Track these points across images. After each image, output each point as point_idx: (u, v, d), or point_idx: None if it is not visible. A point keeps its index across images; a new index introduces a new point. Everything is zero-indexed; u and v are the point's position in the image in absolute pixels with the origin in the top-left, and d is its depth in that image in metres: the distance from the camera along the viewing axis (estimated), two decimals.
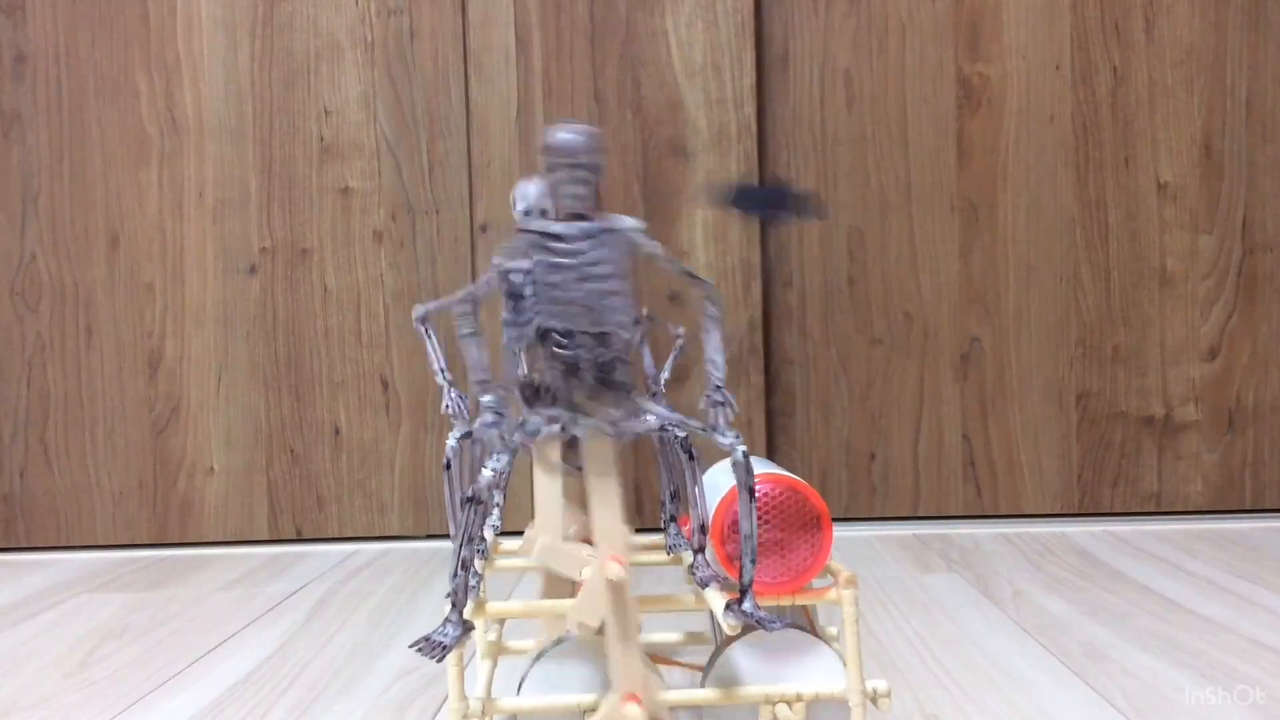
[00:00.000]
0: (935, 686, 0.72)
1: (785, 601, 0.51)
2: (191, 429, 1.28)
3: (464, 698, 0.48)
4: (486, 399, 0.46)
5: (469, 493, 0.43)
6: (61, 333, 1.28)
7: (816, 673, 0.51)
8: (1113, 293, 1.27)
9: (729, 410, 0.46)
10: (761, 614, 0.45)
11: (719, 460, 0.61)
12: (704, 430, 0.46)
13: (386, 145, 1.27)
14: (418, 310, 0.53)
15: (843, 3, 1.27)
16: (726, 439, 0.45)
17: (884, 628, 0.86)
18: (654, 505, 1.23)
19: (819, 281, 1.28)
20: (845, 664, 0.50)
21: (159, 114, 1.28)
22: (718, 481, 0.56)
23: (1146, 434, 1.27)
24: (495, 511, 0.60)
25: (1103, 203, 1.27)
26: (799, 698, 0.49)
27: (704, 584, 0.49)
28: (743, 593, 0.45)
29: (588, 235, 0.43)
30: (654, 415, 0.45)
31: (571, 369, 0.44)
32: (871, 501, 1.28)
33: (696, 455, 0.49)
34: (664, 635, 0.63)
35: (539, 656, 0.53)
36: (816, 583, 0.53)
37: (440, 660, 0.44)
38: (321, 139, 1.27)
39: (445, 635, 0.44)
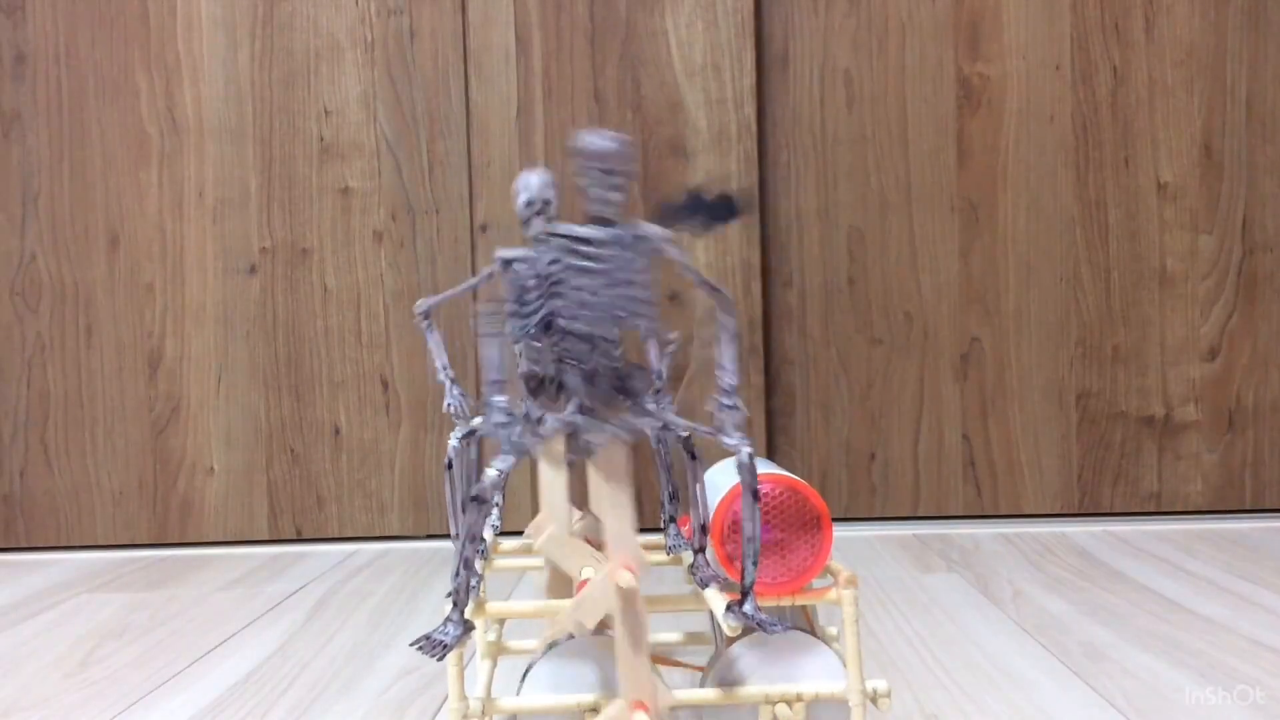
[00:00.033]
0: (935, 686, 0.72)
1: (785, 602, 0.51)
2: (191, 429, 1.28)
3: (464, 698, 0.48)
4: (498, 400, 0.46)
5: (473, 492, 0.43)
6: (61, 333, 1.28)
7: (816, 673, 0.51)
8: (1113, 293, 1.27)
9: (738, 414, 0.46)
10: (762, 616, 0.45)
11: (718, 460, 0.61)
12: (711, 433, 0.46)
13: (386, 145, 1.27)
14: (421, 305, 0.53)
15: (843, 3, 1.27)
16: (732, 440, 0.45)
17: (884, 628, 0.86)
18: (654, 505, 1.23)
19: (819, 281, 1.28)
20: (845, 664, 0.50)
21: (159, 114, 1.28)
22: (716, 481, 0.56)
23: (1146, 434, 1.27)
24: (494, 511, 0.60)
25: (1103, 203, 1.27)
26: (799, 698, 0.49)
27: (704, 584, 0.49)
28: (744, 594, 0.45)
29: (617, 241, 0.43)
30: (667, 421, 0.45)
31: (589, 375, 0.44)
32: (871, 501, 1.28)
33: (699, 455, 0.49)
34: (664, 635, 0.63)
35: (539, 656, 0.53)
36: (817, 583, 0.53)
37: (441, 659, 0.44)
38: (321, 139, 1.27)
39: (446, 634, 0.44)
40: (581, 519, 0.59)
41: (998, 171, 1.27)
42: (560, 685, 0.52)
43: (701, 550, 0.50)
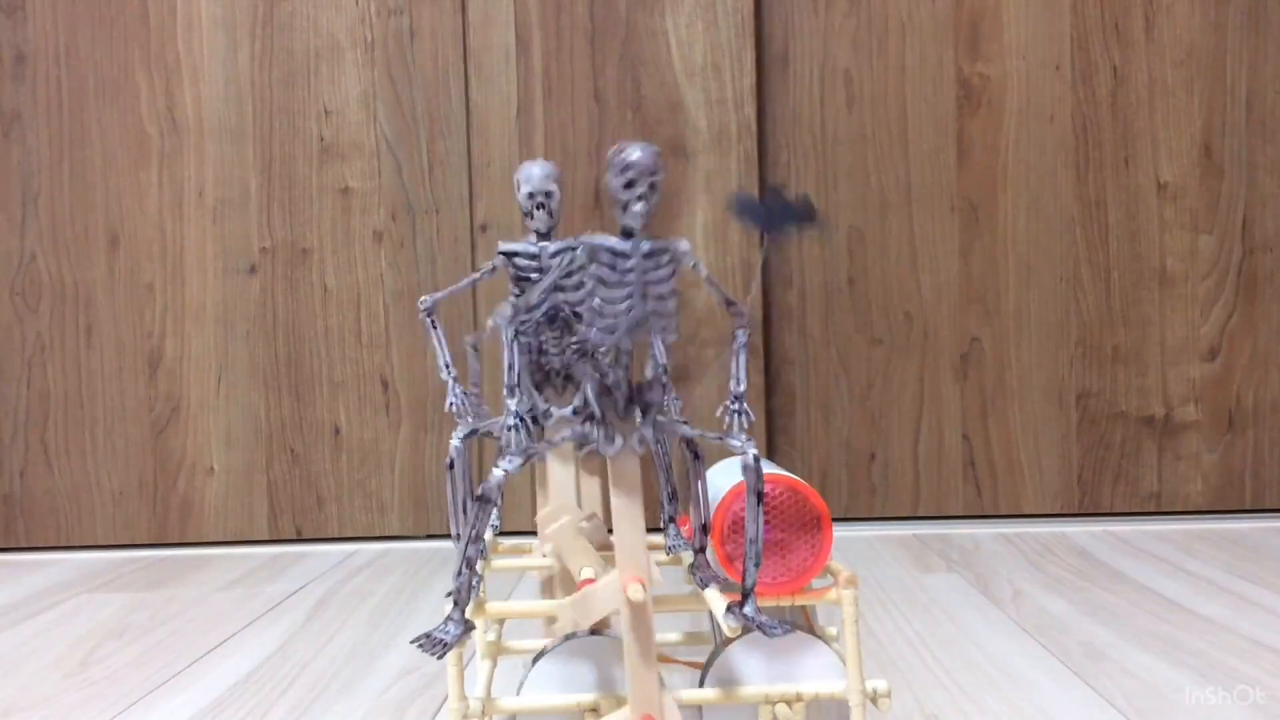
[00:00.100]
0: (935, 686, 0.72)
1: (785, 602, 0.51)
2: (191, 429, 1.28)
3: (464, 698, 0.48)
4: (511, 403, 0.46)
5: (479, 491, 0.43)
6: (61, 333, 1.28)
7: (816, 673, 0.51)
8: (1113, 293, 1.27)
9: (745, 419, 0.46)
10: (763, 618, 0.45)
11: (719, 460, 0.61)
12: (718, 437, 0.46)
13: (386, 145, 1.27)
14: (425, 301, 0.53)
15: (843, 3, 1.27)
16: (738, 442, 0.45)
17: (884, 628, 0.86)
18: (653, 505, 1.23)
19: (819, 281, 1.28)
20: (845, 664, 0.50)
21: (159, 114, 1.28)
22: (715, 481, 0.56)
23: (1146, 434, 1.27)
24: (494, 511, 0.60)
25: (1103, 203, 1.27)
26: (799, 698, 0.49)
27: (704, 585, 0.49)
28: (745, 596, 0.45)
29: (648, 254, 0.43)
30: (679, 433, 0.45)
31: (604, 386, 0.44)
32: (871, 501, 1.28)
33: (701, 455, 0.49)
34: (663, 635, 0.63)
35: (540, 656, 0.53)
36: (816, 583, 0.53)
37: (441, 657, 0.44)
38: (321, 139, 1.27)
39: (446, 633, 0.44)
40: (588, 519, 0.59)
41: (998, 171, 1.27)
42: (560, 685, 0.52)
43: (702, 550, 0.50)
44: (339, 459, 1.27)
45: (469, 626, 0.45)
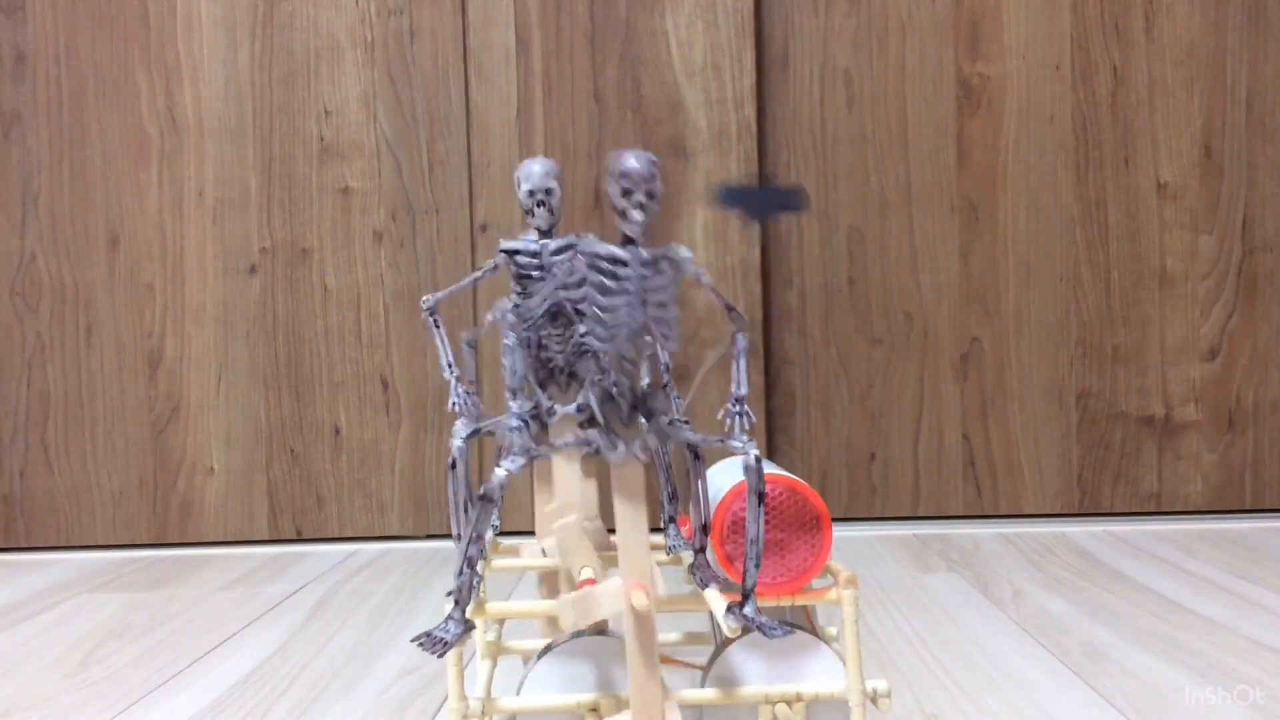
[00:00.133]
0: (935, 686, 0.72)
1: (785, 602, 0.51)
2: (191, 429, 1.28)
3: (464, 698, 0.48)
4: (514, 404, 0.47)
5: (481, 491, 0.43)
6: (61, 333, 1.28)
7: (816, 673, 0.51)
8: (1113, 293, 1.27)
9: (745, 421, 0.46)
10: (763, 619, 0.45)
11: (719, 461, 0.61)
12: (720, 441, 0.46)
13: (386, 145, 1.27)
14: (427, 300, 0.53)
15: (843, 3, 1.27)
16: (739, 443, 0.45)
17: (884, 628, 0.86)
18: (654, 505, 1.23)
19: (819, 281, 1.28)
20: (845, 664, 0.50)
21: (159, 114, 1.28)
22: (714, 481, 0.56)
23: (1146, 434, 1.27)
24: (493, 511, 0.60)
25: (1103, 203, 1.27)
26: (799, 698, 0.49)
27: (705, 585, 0.49)
28: (745, 596, 0.45)
29: (648, 262, 0.43)
30: (682, 440, 0.46)
31: (607, 394, 0.44)
32: (871, 501, 1.28)
33: (702, 455, 0.49)
34: (664, 635, 0.63)
35: (541, 655, 0.53)
36: (816, 583, 0.53)
37: (441, 656, 0.44)
38: (321, 139, 1.27)
39: (447, 632, 0.44)
40: (589, 520, 0.59)
41: (998, 171, 1.27)
42: (560, 685, 0.52)
43: (702, 550, 0.50)
44: (339, 459, 1.27)
45: (469, 626, 0.45)
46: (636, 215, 0.43)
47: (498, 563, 0.57)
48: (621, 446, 0.44)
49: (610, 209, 0.43)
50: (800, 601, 0.51)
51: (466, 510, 0.50)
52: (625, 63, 1.25)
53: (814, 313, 1.28)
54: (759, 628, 0.45)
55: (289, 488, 1.27)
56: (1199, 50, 1.26)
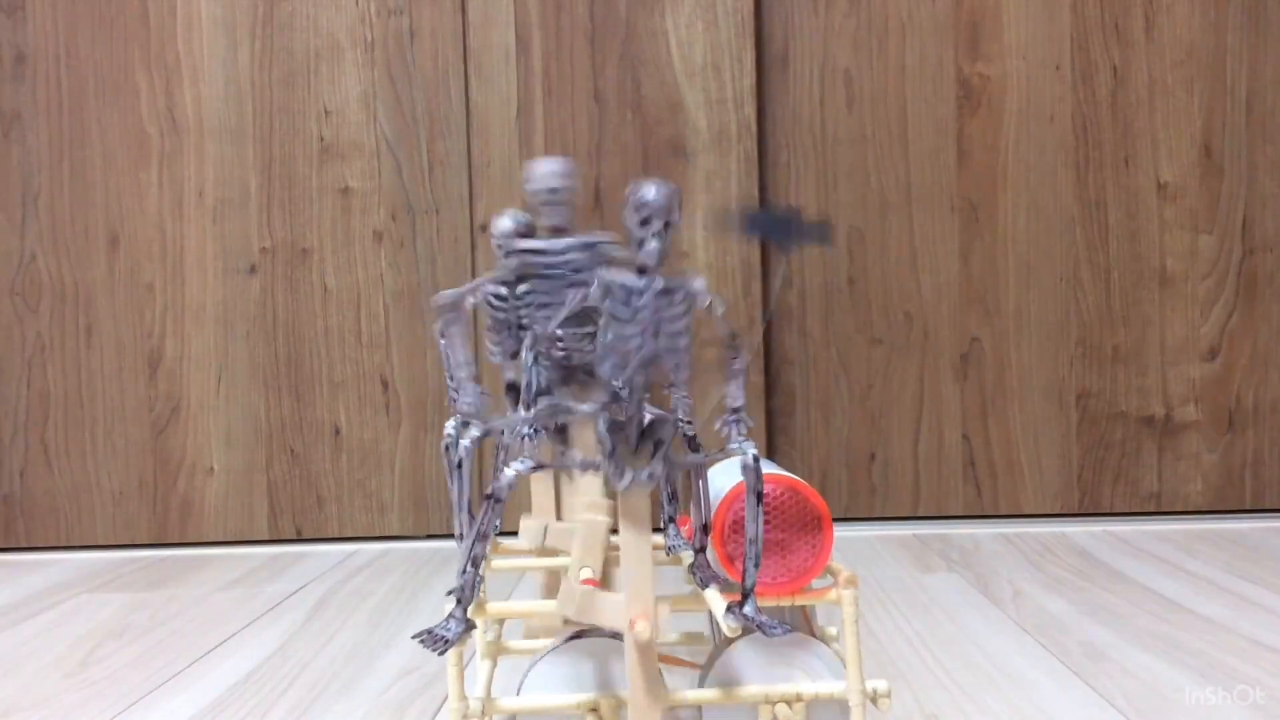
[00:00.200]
0: (935, 686, 0.72)
1: (785, 602, 0.51)
2: (191, 429, 1.28)
3: (464, 698, 0.48)
4: (524, 414, 0.47)
5: (488, 490, 0.43)
6: (61, 333, 1.28)
7: (816, 673, 0.51)
8: (1113, 293, 1.27)
9: (743, 425, 0.47)
10: (763, 619, 0.45)
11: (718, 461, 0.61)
12: (722, 457, 0.46)
13: (386, 145, 1.27)
14: (442, 297, 0.53)
15: (843, 3, 1.27)
16: (736, 443, 0.45)
17: (884, 628, 0.86)
18: (654, 505, 1.23)
19: (819, 281, 1.28)
20: (845, 664, 0.50)
21: (159, 114, 1.28)
22: (715, 481, 0.56)
23: (1146, 434, 1.27)
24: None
25: (1103, 203, 1.27)
26: (799, 698, 0.49)
27: (704, 585, 0.49)
28: (745, 596, 0.45)
29: (661, 291, 0.43)
30: (689, 464, 0.46)
31: (616, 425, 0.44)
32: (871, 501, 1.28)
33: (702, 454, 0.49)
34: (664, 635, 0.63)
35: (540, 656, 0.53)
36: (817, 583, 0.53)
37: (442, 654, 0.44)
38: (321, 139, 1.27)
39: (448, 630, 0.44)
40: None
41: (998, 171, 1.27)
42: (560, 685, 0.52)
43: (702, 550, 0.50)
44: (339, 459, 1.27)
45: (470, 625, 0.45)
46: (653, 245, 0.43)
47: (498, 563, 0.57)
48: (628, 475, 0.44)
49: (626, 238, 0.43)
50: (800, 601, 0.51)
51: (470, 510, 0.50)
52: (625, 63, 1.25)
53: (814, 313, 1.28)
54: (759, 627, 0.45)
55: (289, 488, 1.27)
56: (1199, 50, 1.26)
